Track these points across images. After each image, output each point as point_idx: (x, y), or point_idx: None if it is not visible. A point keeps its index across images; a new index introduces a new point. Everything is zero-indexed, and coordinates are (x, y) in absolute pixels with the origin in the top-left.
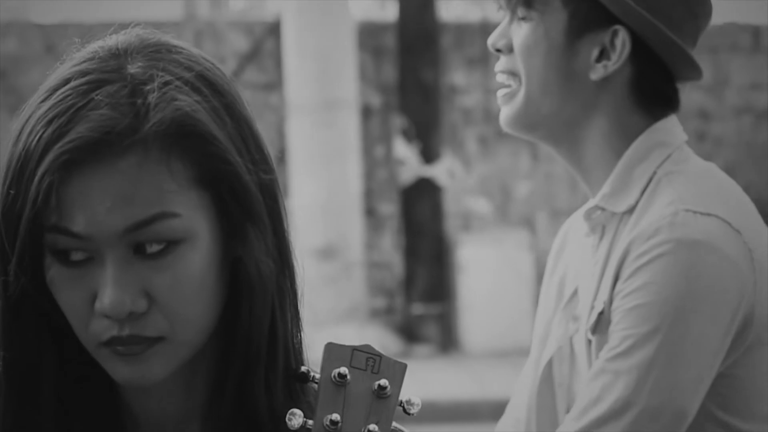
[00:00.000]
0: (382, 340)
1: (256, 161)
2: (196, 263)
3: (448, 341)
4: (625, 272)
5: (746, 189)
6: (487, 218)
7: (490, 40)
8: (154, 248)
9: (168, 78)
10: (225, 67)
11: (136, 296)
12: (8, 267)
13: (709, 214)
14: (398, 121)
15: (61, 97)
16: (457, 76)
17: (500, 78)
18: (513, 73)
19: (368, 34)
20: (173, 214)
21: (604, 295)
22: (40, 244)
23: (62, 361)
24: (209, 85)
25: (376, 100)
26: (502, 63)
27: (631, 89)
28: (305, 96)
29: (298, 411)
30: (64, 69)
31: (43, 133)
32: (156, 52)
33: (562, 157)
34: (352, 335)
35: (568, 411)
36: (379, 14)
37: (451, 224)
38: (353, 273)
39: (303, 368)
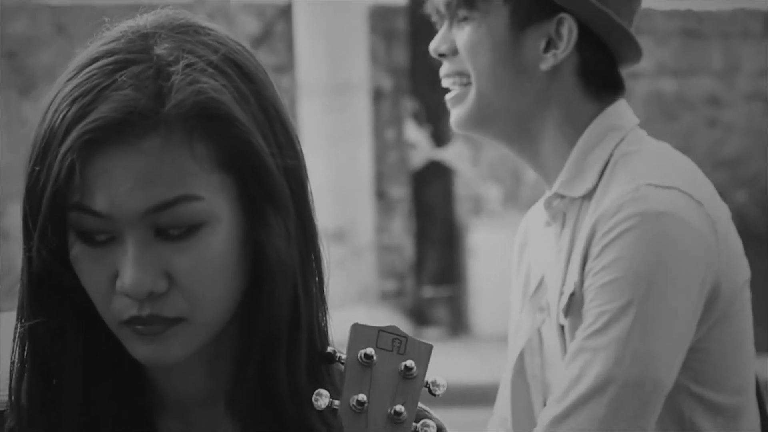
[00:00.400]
0: (392, 323)
1: (282, 145)
2: (217, 245)
3: (458, 324)
4: (594, 250)
5: (757, 175)
6: (497, 203)
7: (432, 46)
8: (175, 230)
9: (193, 60)
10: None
11: (157, 277)
12: (31, 243)
13: (670, 187)
14: (409, 104)
15: (86, 76)
16: None
17: (446, 82)
18: (460, 74)
19: (380, 17)
20: (195, 197)
21: (573, 277)
22: (64, 222)
23: (88, 339)
24: (236, 68)
25: (387, 83)
26: (446, 66)
27: (579, 77)
28: (316, 79)
29: (324, 391)
30: (93, 48)
31: (67, 111)
32: (184, 33)
33: (515, 152)
34: (362, 318)
35: (544, 403)
36: None
37: (462, 208)
38: (364, 256)
39: (329, 349)
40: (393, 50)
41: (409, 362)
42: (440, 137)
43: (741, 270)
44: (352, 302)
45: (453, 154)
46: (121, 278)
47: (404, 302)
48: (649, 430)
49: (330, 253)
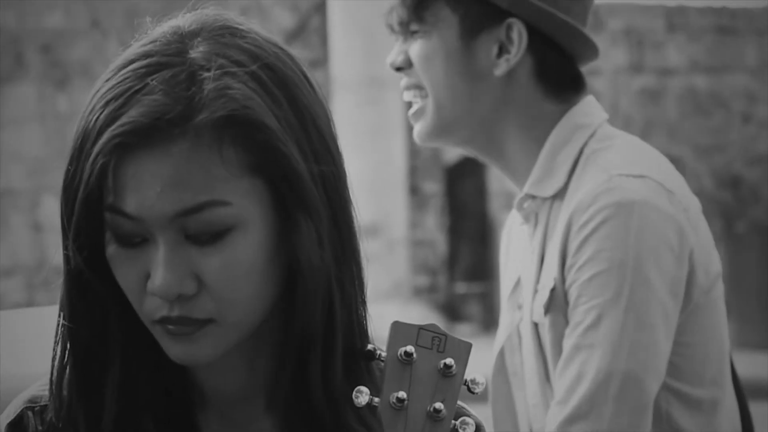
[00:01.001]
0: (424, 318)
1: (317, 151)
2: (246, 249)
3: (490, 320)
4: (572, 245)
5: None
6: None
7: (389, 60)
8: (204, 235)
9: (227, 64)
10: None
11: (185, 279)
12: (67, 241)
13: (641, 176)
14: None
15: (121, 78)
16: None
17: (407, 96)
18: (418, 87)
19: None
20: (223, 202)
21: (552, 273)
22: (100, 222)
23: (128, 334)
24: (270, 73)
25: None
26: (405, 80)
27: (536, 78)
28: (351, 73)
29: (364, 389)
30: (131, 49)
31: (101, 113)
32: (220, 36)
33: (483, 157)
34: (394, 313)
35: (524, 399)
36: None
37: (495, 204)
38: (397, 251)
39: (369, 347)
40: None
41: (449, 360)
42: None
43: (713, 261)
44: (385, 297)
45: None
46: (152, 279)
47: (437, 298)
48: (650, 421)
49: (363, 248)
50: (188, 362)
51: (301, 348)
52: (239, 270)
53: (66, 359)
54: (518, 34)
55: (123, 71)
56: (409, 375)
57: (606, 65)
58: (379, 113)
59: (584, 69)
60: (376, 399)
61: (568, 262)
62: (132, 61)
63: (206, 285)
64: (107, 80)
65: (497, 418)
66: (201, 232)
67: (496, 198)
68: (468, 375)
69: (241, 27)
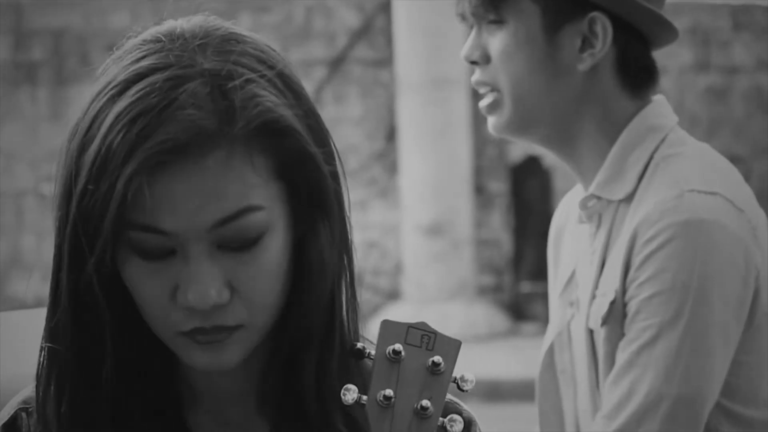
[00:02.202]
0: (489, 317)
1: (327, 152)
2: (275, 252)
3: None
4: (636, 260)
5: None
6: None
7: (464, 53)
8: (236, 242)
9: (246, 73)
10: (336, 43)
11: (220, 288)
12: (80, 263)
13: (713, 193)
14: None
15: (140, 93)
16: None
17: (480, 89)
18: (489, 85)
19: None
20: (257, 207)
21: (614, 284)
22: (119, 240)
23: (120, 345)
24: (280, 78)
25: None
26: (479, 75)
27: (616, 71)
28: (415, 73)
29: (352, 386)
30: (128, 61)
31: (127, 131)
32: (225, 42)
33: (553, 152)
34: (459, 312)
35: (573, 397)
36: None
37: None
38: (462, 250)
39: (359, 345)
40: None
41: (437, 358)
42: None
43: None
44: (450, 296)
45: None
46: (184, 293)
47: (501, 297)
48: None
49: (427, 247)
50: (214, 369)
51: (298, 348)
52: (269, 274)
53: (51, 377)
54: (602, 27)
55: (138, 86)
56: (397, 373)
57: (672, 64)
58: (444, 113)
59: None
60: (364, 397)
61: (631, 275)
62: (143, 75)
63: (238, 291)
64: (117, 95)
65: (544, 416)
66: (234, 240)
67: (562, 197)
68: (458, 372)
69: (241, 33)
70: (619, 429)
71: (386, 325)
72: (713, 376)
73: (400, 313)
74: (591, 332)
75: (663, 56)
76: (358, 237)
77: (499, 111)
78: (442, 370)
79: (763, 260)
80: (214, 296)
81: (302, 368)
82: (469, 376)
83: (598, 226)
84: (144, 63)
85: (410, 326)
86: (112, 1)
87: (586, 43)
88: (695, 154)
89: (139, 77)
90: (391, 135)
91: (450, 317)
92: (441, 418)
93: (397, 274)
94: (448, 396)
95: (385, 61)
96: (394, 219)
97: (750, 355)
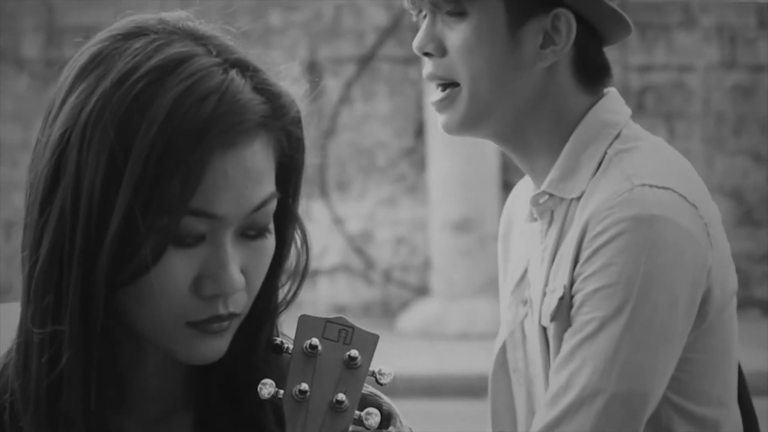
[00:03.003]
0: None
1: None
2: (273, 240)
3: None
4: (584, 254)
5: None
6: None
7: (417, 44)
8: (253, 230)
9: (263, 66)
10: (365, 41)
11: (241, 274)
12: (130, 244)
13: (665, 188)
14: None
15: (196, 76)
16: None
17: (432, 83)
18: (446, 79)
19: None
20: (276, 192)
21: (563, 280)
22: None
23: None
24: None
25: None
26: (433, 68)
27: (574, 69)
28: None
29: (269, 381)
30: (147, 50)
31: (196, 112)
32: (218, 36)
33: (505, 149)
34: (487, 308)
35: (526, 396)
36: None
37: None
38: (490, 246)
39: (277, 340)
40: None
41: (354, 352)
42: None
43: (730, 277)
44: (478, 292)
45: None
46: (214, 278)
47: None
48: None
49: (455, 243)
50: (208, 359)
51: (240, 332)
52: (268, 263)
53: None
54: (566, 24)
55: (186, 70)
56: (313, 367)
57: (698, 62)
58: None
59: (678, 66)
60: (281, 391)
61: (578, 269)
62: (183, 60)
63: (247, 279)
64: (158, 80)
65: (496, 414)
66: (253, 227)
67: None
68: (375, 366)
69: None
70: (555, 419)
71: (304, 319)
72: (654, 374)
73: (429, 308)
74: (544, 330)
75: (690, 55)
76: (387, 233)
77: (453, 107)
78: (358, 364)
79: (716, 257)
80: (241, 281)
81: (232, 361)
82: (386, 369)
83: (550, 224)
84: (172, 50)
85: (328, 320)
86: (142, 1)
87: (548, 40)
88: (649, 149)
89: (177, 63)
90: (419, 132)
91: (478, 313)
92: (357, 412)
93: (425, 270)
94: (371, 389)
95: (414, 58)
96: (422, 215)
97: (702, 353)
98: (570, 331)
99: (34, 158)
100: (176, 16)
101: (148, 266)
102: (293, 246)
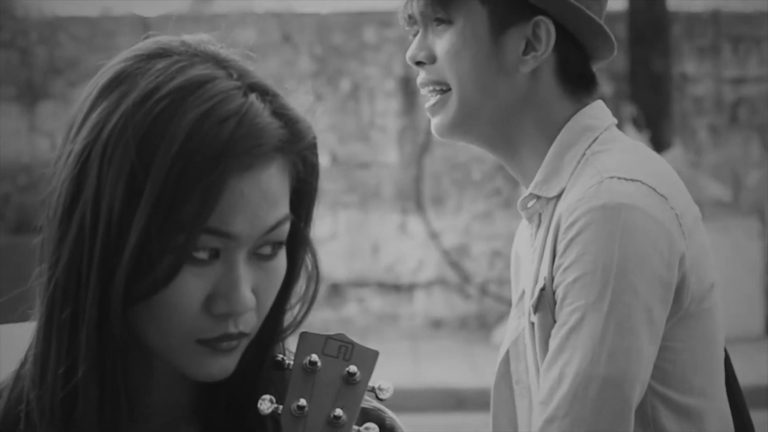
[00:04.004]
0: None
1: None
2: (284, 262)
3: None
4: (560, 246)
5: None
6: (722, 204)
7: (409, 54)
8: (267, 249)
9: (281, 92)
10: None
11: (251, 294)
12: (145, 259)
13: (633, 180)
14: (629, 109)
15: (217, 98)
16: (688, 65)
17: (424, 90)
18: (439, 82)
19: None
20: (290, 215)
21: (544, 272)
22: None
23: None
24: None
25: (607, 89)
26: (425, 74)
27: (557, 76)
28: None
29: (268, 396)
30: (169, 71)
31: (217, 133)
32: (238, 60)
33: (495, 155)
34: None
35: (528, 407)
36: (610, 4)
37: None
38: None
39: (279, 356)
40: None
41: (352, 368)
42: (660, 141)
43: (708, 270)
44: None
45: (672, 158)
46: (226, 296)
47: None
48: (631, 427)
49: None
50: (215, 377)
51: (248, 351)
52: (278, 285)
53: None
54: (546, 31)
55: (207, 92)
56: (312, 383)
57: None
58: None
59: None
60: (281, 407)
61: (556, 261)
62: (204, 82)
63: (257, 299)
64: (180, 100)
65: (497, 426)
66: (266, 248)
67: None
68: (375, 382)
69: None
70: (552, 414)
71: (305, 336)
72: (640, 357)
73: None
74: (533, 326)
75: None
76: (482, 247)
77: (444, 111)
78: (357, 379)
79: (689, 247)
80: (253, 300)
81: (241, 378)
82: (385, 385)
83: (538, 226)
84: (194, 72)
85: (328, 337)
86: (238, 16)
87: (529, 47)
88: (622, 148)
89: (198, 84)
90: None
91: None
92: (356, 427)
93: None
94: (374, 404)
95: None
96: (517, 229)
97: (683, 342)
98: (556, 326)
99: (54, 173)
100: (198, 39)
101: (164, 282)
102: (304, 270)
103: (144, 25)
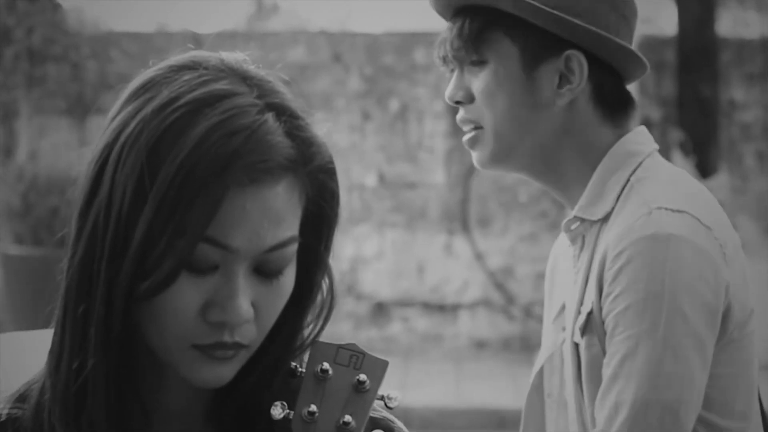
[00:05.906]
0: None
1: None
2: (291, 283)
3: None
4: (608, 275)
5: None
6: (756, 233)
7: (448, 94)
8: (272, 266)
9: (303, 115)
10: None
11: (249, 307)
12: (144, 262)
13: (680, 211)
14: (676, 134)
15: (231, 112)
16: (737, 91)
17: (463, 127)
18: (475, 122)
19: (649, 49)
20: (296, 238)
21: (591, 297)
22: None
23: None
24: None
25: (655, 114)
26: (464, 113)
27: (594, 104)
28: None
29: (280, 402)
30: (192, 83)
31: (224, 145)
32: (270, 83)
33: (539, 182)
34: None
35: (556, 420)
36: (659, 29)
37: None
38: None
39: (291, 364)
40: (661, 81)
41: (362, 376)
42: (706, 167)
43: (748, 297)
44: None
45: (719, 184)
46: (221, 307)
47: None
48: None
49: None
50: (210, 384)
51: (255, 371)
52: (283, 301)
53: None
54: (578, 64)
55: (223, 105)
56: (323, 390)
57: None
58: None
59: None
60: (292, 413)
61: (605, 290)
62: (223, 96)
63: (257, 314)
64: (196, 111)
65: None
66: (270, 266)
67: None
68: (384, 391)
69: (268, 75)
70: None
71: (317, 346)
72: (693, 383)
73: None
74: (576, 346)
75: None
76: (527, 269)
77: (480, 145)
78: (367, 388)
79: (734, 276)
80: (248, 313)
81: (255, 387)
82: (394, 394)
83: (582, 248)
84: (216, 86)
85: (340, 347)
86: (290, 35)
87: (564, 79)
88: (667, 177)
89: (217, 98)
90: None
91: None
92: None
93: None
94: (383, 413)
95: None
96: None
97: (725, 367)
98: (608, 355)
99: (84, 172)
100: (234, 56)
101: (163, 286)
102: (320, 294)
103: (196, 42)
